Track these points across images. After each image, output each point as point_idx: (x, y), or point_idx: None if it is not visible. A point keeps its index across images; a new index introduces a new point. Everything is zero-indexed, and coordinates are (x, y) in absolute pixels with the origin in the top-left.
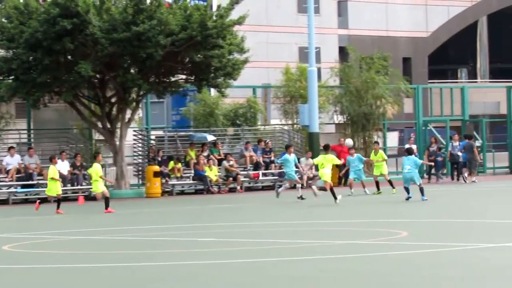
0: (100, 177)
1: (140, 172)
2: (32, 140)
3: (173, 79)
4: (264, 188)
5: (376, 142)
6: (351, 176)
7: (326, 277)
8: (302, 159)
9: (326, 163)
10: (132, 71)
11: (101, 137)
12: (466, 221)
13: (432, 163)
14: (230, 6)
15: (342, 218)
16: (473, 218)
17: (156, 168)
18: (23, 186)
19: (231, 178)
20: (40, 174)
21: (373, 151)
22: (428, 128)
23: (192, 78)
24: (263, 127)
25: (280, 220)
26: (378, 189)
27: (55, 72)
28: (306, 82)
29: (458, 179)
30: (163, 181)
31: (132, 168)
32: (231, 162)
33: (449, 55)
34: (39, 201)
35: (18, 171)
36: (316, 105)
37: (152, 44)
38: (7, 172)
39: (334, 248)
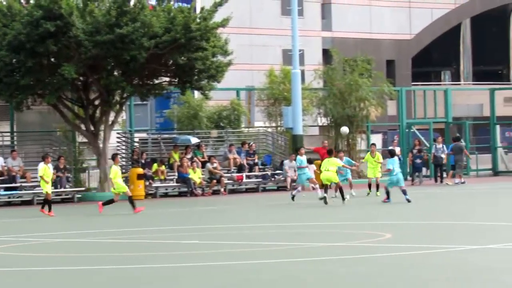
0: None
1: (124, 175)
2: (15, 142)
3: (156, 81)
4: (247, 191)
5: (373, 144)
6: (340, 179)
7: (309, 280)
8: (286, 161)
9: (330, 165)
10: (115, 73)
11: (85, 140)
12: (450, 223)
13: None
14: (213, 9)
15: (327, 220)
16: (457, 220)
17: (140, 170)
18: (6, 189)
19: (214, 181)
20: (23, 177)
21: (369, 152)
22: (412, 130)
23: (175, 80)
24: (247, 129)
25: (265, 223)
26: (370, 189)
27: (38, 74)
28: (290, 84)
29: (441, 181)
30: (147, 183)
31: None
32: (215, 165)
33: (433, 58)
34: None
35: (1, 173)
36: (300, 107)
37: (135, 47)
38: None
39: (317, 250)
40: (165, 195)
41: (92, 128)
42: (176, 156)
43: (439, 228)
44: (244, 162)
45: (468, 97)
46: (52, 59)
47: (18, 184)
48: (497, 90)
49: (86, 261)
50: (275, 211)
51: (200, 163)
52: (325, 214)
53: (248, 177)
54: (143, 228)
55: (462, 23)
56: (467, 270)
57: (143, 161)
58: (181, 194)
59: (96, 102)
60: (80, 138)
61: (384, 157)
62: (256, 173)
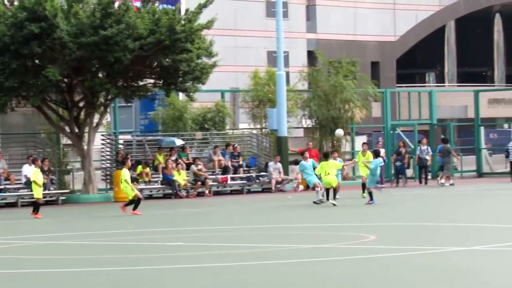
0: (125, 180)
1: (108, 177)
2: None
3: (141, 83)
4: (232, 192)
5: (365, 143)
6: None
7: (293, 282)
8: (271, 163)
9: (329, 169)
10: (100, 75)
11: (69, 142)
12: (434, 225)
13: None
14: (198, 10)
15: (311, 222)
16: (442, 222)
17: None
18: None
19: (199, 183)
20: (7, 179)
21: (360, 152)
22: (396, 132)
23: (160, 82)
24: (231, 131)
25: (249, 225)
26: (364, 191)
27: (22, 76)
28: (275, 86)
29: (426, 183)
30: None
31: (100, 173)
32: (200, 167)
33: (417, 59)
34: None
35: None
36: (285, 109)
37: (120, 48)
38: None
39: (302, 252)
40: (150, 197)
41: (76, 130)
42: (160, 158)
43: (423, 230)
44: (229, 164)
45: (452, 98)
46: (37, 61)
47: (2, 186)
48: (482, 91)
49: (69, 263)
50: (260, 213)
51: (184, 165)
52: (310, 216)
53: (232, 179)
54: (127, 230)
55: (446, 25)
56: (452, 271)
57: None
58: (165, 196)
59: (81, 104)
60: (65, 140)
61: None
62: (241, 175)
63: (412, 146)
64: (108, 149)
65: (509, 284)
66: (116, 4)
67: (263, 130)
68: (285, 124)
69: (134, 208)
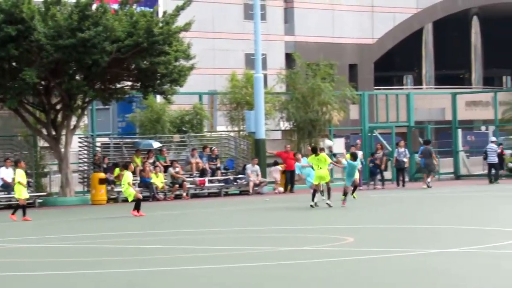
0: (128, 183)
1: (86, 179)
2: None
3: (118, 85)
4: (210, 195)
5: (353, 145)
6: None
7: (269, 284)
8: (248, 166)
9: (320, 163)
10: (77, 77)
11: (46, 144)
12: (412, 227)
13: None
14: (176, 13)
15: (289, 224)
16: (419, 224)
17: (102, 175)
18: None
19: (177, 185)
20: None
21: (349, 153)
22: (374, 134)
23: (138, 84)
24: (209, 133)
25: (227, 227)
26: (354, 193)
27: None
28: (252, 88)
29: (403, 185)
30: (109, 188)
31: (77, 175)
32: (177, 169)
33: (395, 62)
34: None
35: None
36: (262, 111)
37: (97, 51)
38: None
39: (279, 254)
40: (127, 199)
41: (53, 133)
42: (138, 160)
43: (401, 232)
44: (207, 166)
45: (430, 101)
46: (14, 64)
47: None
48: (459, 94)
49: (43, 266)
50: (238, 215)
51: (162, 168)
52: (287, 218)
53: (210, 181)
54: (105, 233)
55: (424, 28)
56: (429, 273)
57: (105, 166)
58: (143, 199)
59: (58, 107)
60: (42, 143)
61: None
62: (219, 178)
63: (390, 149)
64: (85, 152)
65: (485, 286)
66: (94, 7)
67: (241, 132)
68: (263, 127)
69: (135, 209)
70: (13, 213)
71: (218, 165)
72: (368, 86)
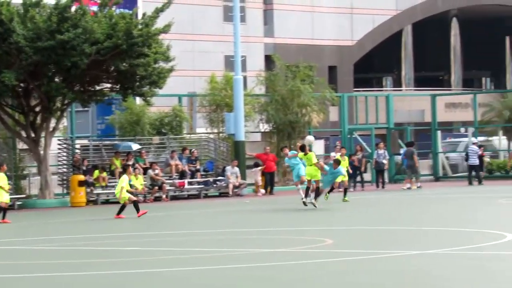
0: (122, 187)
1: (65, 182)
2: None
3: (98, 87)
4: (189, 197)
5: (343, 147)
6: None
7: (248, 286)
8: (228, 168)
9: (309, 163)
10: (56, 80)
11: (25, 147)
12: (391, 229)
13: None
14: (155, 15)
15: (269, 226)
16: (399, 226)
17: (81, 177)
18: None
19: (156, 187)
20: None
21: (338, 154)
22: (354, 136)
23: (117, 86)
24: (188, 135)
25: (206, 229)
26: (345, 195)
27: None
28: (232, 90)
29: (383, 187)
30: (88, 190)
31: (56, 178)
32: (157, 171)
33: (374, 64)
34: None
35: None
36: (242, 113)
37: (77, 53)
38: None
39: (258, 256)
40: (107, 201)
41: (33, 135)
42: (117, 162)
43: (380, 234)
44: (186, 168)
45: (409, 103)
46: None
47: None
48: (438, 95)
49: (18, 268)
50: (218, 217)
51: (141, 170)
52: (267, 220)
53: (190, 183)
54: (85, 235)
55: (403, 29)
56: (410, 275)
57: (84, 168)
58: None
59: (37, 109)
60: (21, 145)
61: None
62: (198, 180)
63: (370, 150)
64: (64, 154)
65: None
66: (73, 9)
67: (221, 134)
68: (242, 129)
69: (118, 213)
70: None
71: (198, 167)
72: (347, 88)
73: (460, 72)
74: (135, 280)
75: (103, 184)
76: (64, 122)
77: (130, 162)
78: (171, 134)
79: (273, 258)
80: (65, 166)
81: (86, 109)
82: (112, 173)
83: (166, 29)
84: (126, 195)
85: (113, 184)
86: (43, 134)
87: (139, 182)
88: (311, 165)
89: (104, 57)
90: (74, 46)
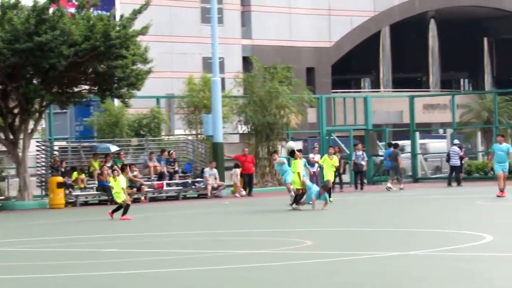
0: (122, 188)
1: (43, 183)
2: None
3: (76, 89)
4: (168, 198)
5: (331, 146)
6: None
7: (238, 286)
8: (206, 169)
9: (293, 169)
10: (34, 81)
11: (4, 148)
12: (370, 230)
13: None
14: (133, 16)
15: (248, 227)
16: (378, 227)
17: (60, 179)
18: None
19: (135, 189)
20: None
21: (326, 155)
22: (332, 137)
23: (95, 88)
24: (167, 137)
25: (186, 230)
26: (330, 195)
27: None
28: (210, 92)
29: (362, 188)
30: (67, 192)
31: (35, 179)
32: (135, 173)
33: (352, 65)
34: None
35: None
36: (220, 115)
37: (55, 55)
38: None
39: (239, 257)
40: (85, 203)
41: (11, 137)
42: (96, 164)
43: (359, 235)
44: (165, 170)
45: (388, 104)
46: None
47: None
48: (417, 97)
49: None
50: (197, 219)
51: (120, 171)
52: (246, 221)
53: (168, 185)
54: (63, 237)
55: (381, 31)
56: (385, 276)
57: (62, 170)
58: (101, 202)
59: (15, 111)
60: None
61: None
62: (177, 181)
63: (348, 152)
64: (43, 156)
65: None
66: (51, 11)
67: (199, 136)
68: (220, 130)
69: (124, 214)
70: None
71: (176, 168)
72: (325, 89)
73: (438, 74)
74: (118, 281)
75: (82, 185)
76: (43, 124)
77: (109, 164)
78: (149, 135)
79: (255, 259)
80: (43, 168)
81: (64, 111)
82: (90, 175)
83: (144, 31)
84: (123, 196)
85: (92, 185)
86: (21, 136)
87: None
88: (294, 172)
89: (82, 59)
90: (52, 48)
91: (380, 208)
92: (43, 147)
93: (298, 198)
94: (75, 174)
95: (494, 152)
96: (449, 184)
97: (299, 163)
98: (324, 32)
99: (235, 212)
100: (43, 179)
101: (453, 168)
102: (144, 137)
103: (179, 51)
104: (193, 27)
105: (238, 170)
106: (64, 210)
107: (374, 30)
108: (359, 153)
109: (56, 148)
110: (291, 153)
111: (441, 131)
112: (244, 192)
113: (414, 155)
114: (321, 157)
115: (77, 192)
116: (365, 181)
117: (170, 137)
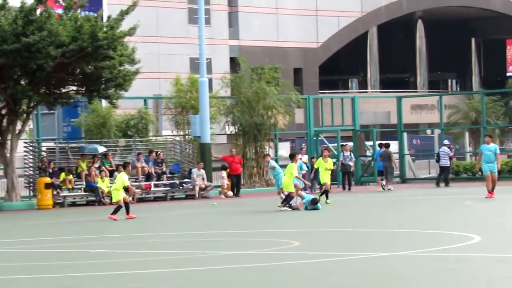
0: (123, 186)
1: (31, 184)
2: None
3: (64, 90)
4: (156, 199)
5: (326, 149)
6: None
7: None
8: (194, 170)
9: (287, 172)
10: (22, 82)
11: None
12: (358, 231)
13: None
14: (120, 17)
15: (237, 228)
16: (366, 228)
17: (47, 179)
18: None
19: (139, 190)
20: None
21: (321, 157)
22: (319, 138)
23: (83, 89)
24: (154, 138)
25: (174, 231)
26: (327, 197)
27: None
28: (197, 93)
29: (349, 189)
30: (55, 192)
31: (23, 180)
32: None
33: (340, 66)
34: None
35: None
36: (208, 116)
37: (42, 56)
38: None
39: (228, 258)
40: (73, 204)
41: None
42: (83, 165)
43: (347, 236)
44: (152, 170)
45: (375, 104)
46: None
47: None
48: (404, 97)
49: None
50: (184, 220)
51: (108, 172)
52: (234, 222)
53: (156, 185)
54: (51, 238)
55: (369, 31)
56: (375, 276)
57: (50, 170)
58: (89, 203)
59: (3, 112)
60: None
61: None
62: (164, 182)
63: (335, 152)
64: (31, 157)
65: None
66: (38, 11)
67: (186, 136)
68: (208, 131)
69: (127, 213)
70: None
71: (164, 169)
72: (313, 90)
73: (425, 74)
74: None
75: (70, 186)
76: (30, 124)
77: (97, 165)
78: (137, 136)
79: (244, 260)
80: (31, 169)
81: (52, 111)
82: (78, 176)
83: (131, 31)
84: (121, 195)
85: (80, 186)
86: (9, 137)
87: (106, 184)
88: (285, 174)
89: (70, 60)
90: (40, 49)
91: (369, 209)
92: (30, 148)
93: (288, 199)
94: (62, 175)
95: (482, 152)
96: (438, 184)
97: (293, 167)
98: (311, 33)
99: (223, 213)
100: (31, 180)
101: (442, 169)
102: (132, 138)
103: (166, 52)
104: (180, 28)
105: (225, 172)
106: (52, 211)
107: (362, 31)
108: (347, 153)
109: (43, 149)
110: (291, 157)
111: (428, 131)
112: (231, 193)
113: (401, 155)
114: (308, 158)
115: (65, 193)
116: (352, 181)
117: (158, 138)
